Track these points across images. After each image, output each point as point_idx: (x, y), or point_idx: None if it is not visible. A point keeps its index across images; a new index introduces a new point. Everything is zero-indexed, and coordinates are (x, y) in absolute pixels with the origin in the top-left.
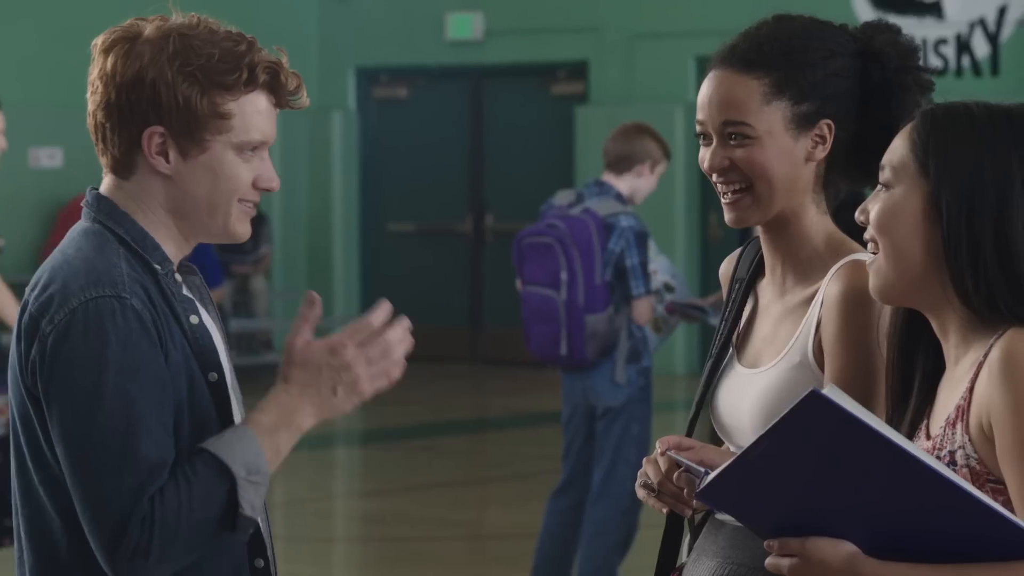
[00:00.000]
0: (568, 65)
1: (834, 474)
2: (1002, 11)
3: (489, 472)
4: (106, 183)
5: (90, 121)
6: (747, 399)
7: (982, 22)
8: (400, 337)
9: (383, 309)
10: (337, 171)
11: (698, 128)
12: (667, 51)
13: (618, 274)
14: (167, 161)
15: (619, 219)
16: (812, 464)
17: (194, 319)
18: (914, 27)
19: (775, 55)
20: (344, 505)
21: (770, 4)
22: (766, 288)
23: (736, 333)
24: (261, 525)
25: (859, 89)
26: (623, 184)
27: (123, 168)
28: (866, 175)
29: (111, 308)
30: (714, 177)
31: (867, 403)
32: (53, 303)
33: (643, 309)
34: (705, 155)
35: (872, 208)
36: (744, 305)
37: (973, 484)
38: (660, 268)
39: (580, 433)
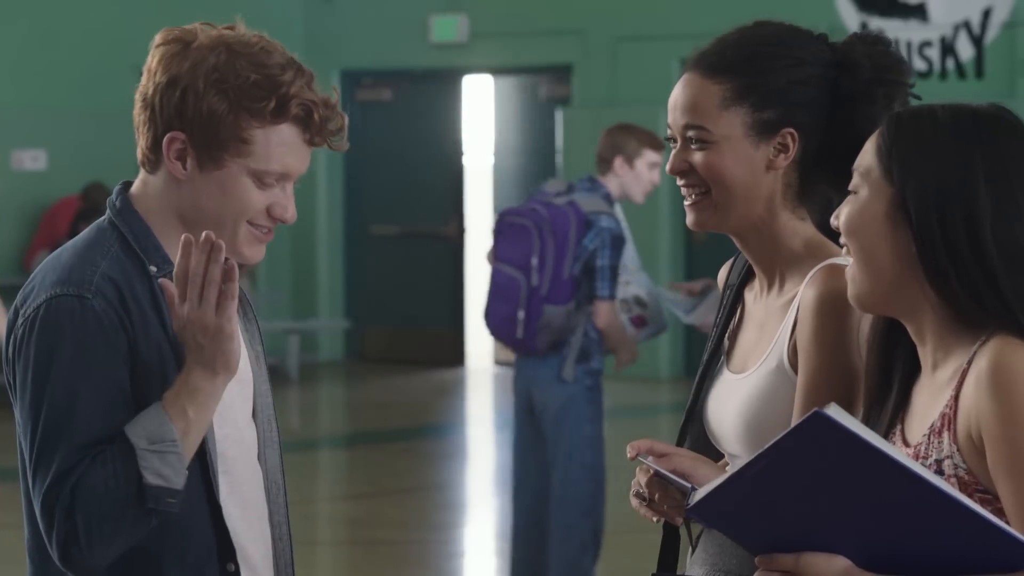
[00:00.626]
0: (552, 68)
1: (833, 491)
2: (987, 13)
3: (472, 475)
4: (138, 178)
5: (135, 109)
6: (730, 405)
7: (967, 24)
8: (201, 261)
9: (185, 247)
10: (321, 173)
11: (668, 131)
12: (651, 54)
13: (587, 272)
14: (184, 168)
15: (600, 218)
16: (810, 482)
17: None
18: (898, 30)
19: (738, 61)
20: (327, 508)
21: (754, 7)
22: (753, 294)
23: (726, 339)
24: (237, 528)
25: (829, 99)
26: (611, 184)
27: (148, 162)
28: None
29: (70, 307)
30: (677, 180)
31: (842, 407)
32: (28, 299)
33: (604, 311)
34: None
35: (842, 213)
36: (734, 311)
37: (962, 494)
38: (637, 283)
39: (527, 425)
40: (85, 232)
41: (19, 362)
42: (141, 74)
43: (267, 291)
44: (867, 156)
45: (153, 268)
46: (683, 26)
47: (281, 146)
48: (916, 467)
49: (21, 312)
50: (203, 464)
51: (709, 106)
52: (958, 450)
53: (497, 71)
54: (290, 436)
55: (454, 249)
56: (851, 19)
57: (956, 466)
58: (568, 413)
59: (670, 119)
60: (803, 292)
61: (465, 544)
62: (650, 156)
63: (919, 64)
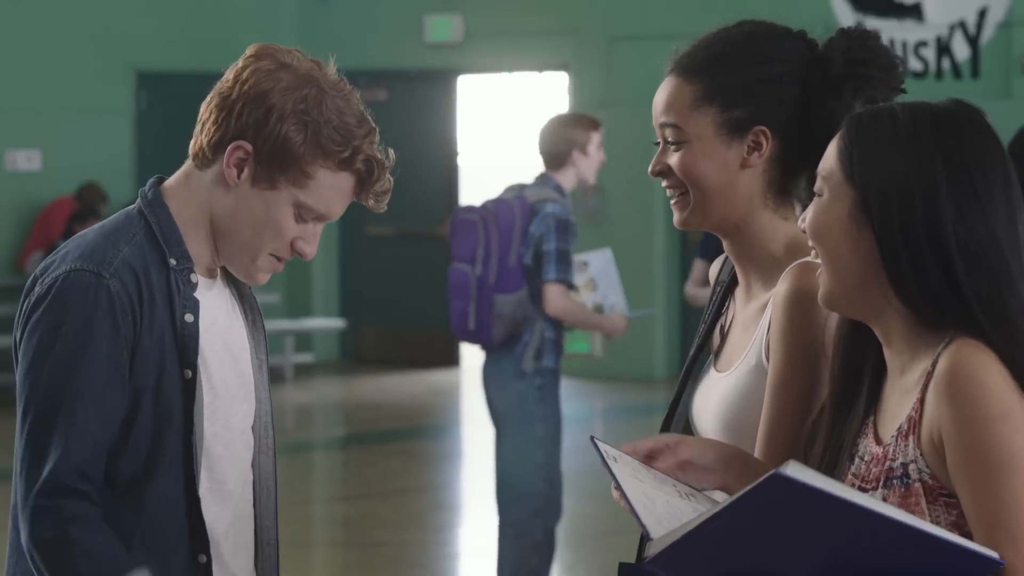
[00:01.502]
0: (548, 68)
1: (794, 541)
2: (982, 13)
3: (467, 476)
4: (181, 169)
5: (206, 104)
6: (711, 402)
7: (962, 24)
8: None
9: None
10: None
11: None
12: (647, 54)
13: (537, 259)
14: (237, 177)
15: (545, 204)
16: (770, 535)
17: (189, 317)
18: (894, 30)
19: (706, 61)
20: (322, 509)
21: (750, 8)
22: (739, 294)
23: (716, 336)
24: (213, 524)
25: (802, 96)
26: (564, 178)
27: (203, 158)
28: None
29: (85, 282)
30: (662, 181)
31: (805, 404)
32: (49, 269)
33: (551, 295)
34: None
35: (808, 216)
36: (723, 308)
37: (926, 498)
38: (598, 273)
39: (494, 424)
40: (114, 216)
41: (29, 326)
42: (135, 72)
43: (262, 291)
44: (829, 158)
45: (173, 261)
46: (680, 26)
47: (334, 191)
48: (880, 507)
49: (40, 280)
50: (187, 456)
51: (682, 106)
52: (922, 454)
53: (492, 71)
54: (285, 437)
55: (448, 250)
56: (847, 19)
57: (920, 471)
58: (516, 412)
59: (653, 121)
60: (776, 289)
61: (461, 545)
62: (596, 137)
63: (915, 64)
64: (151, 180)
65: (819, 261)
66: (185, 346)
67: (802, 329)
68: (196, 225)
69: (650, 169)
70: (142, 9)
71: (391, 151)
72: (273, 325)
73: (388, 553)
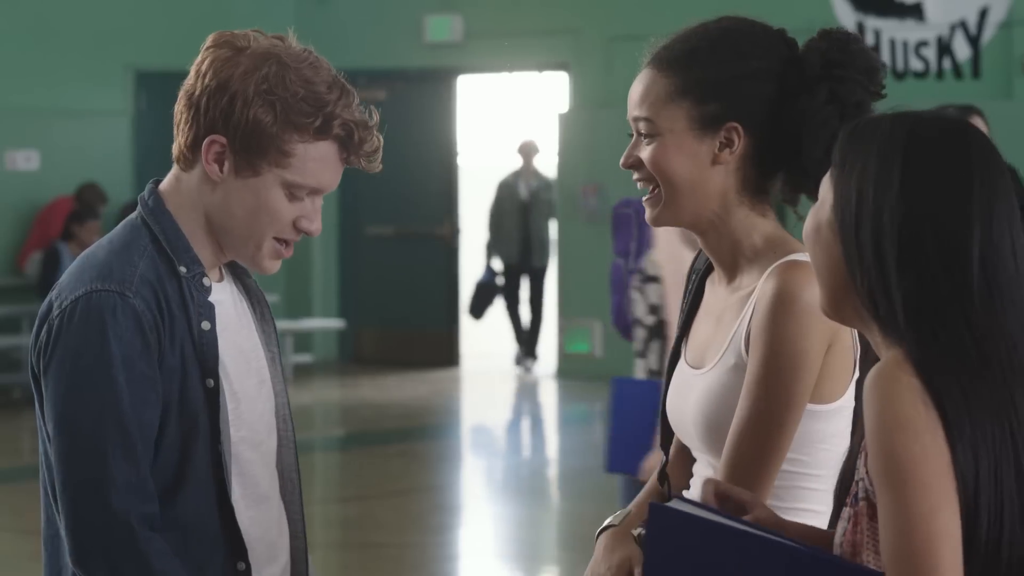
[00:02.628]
0: (547, 68)
1: (711, 571)
2: (983, 13)
3: (467, 477)
4: (170, 173)
5: (177, 106)
6: (690, 401)
7: (963, 24)
8: None
9: None
10: None
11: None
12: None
13: None
14: (220, 171)
15: None
16: (692, 570)
17: (205, 325)
18: (895, 29)
19: (682, 55)
20: (321, 510)
21: (748, 7)
22: (714, 286)
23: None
24: (251, 529)
25: (777, 94)
26: None
27: (185, 160)
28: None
29: (112, 303)
30: (633, 175)
31: (781, 406)
32: (64, 291)
33: None
34: None
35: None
36: (697, 299)
37: (868, 517)
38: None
39: None
40: (119, 230)
41: (58, 350)
42: (133, 72)
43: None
44: (829, 166)
45: (183, 269)
46: (678, 24)
47: (319, 162)
48: (759, 530)
49: (56, 303)
50: (216, 465)
51: (656, 99)
52: (867, 473)
53: (492, 71)
54: None
55: (448, 249)
56: (847, 19)
57: (866, 489)
58: None
59: (628, 114)
60: (762, 286)
61: (460, 547)
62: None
63: (916, 64)
64: (149, 186)
65: (804, 257)
66: (205, 355)
67: (785, 330)
68: (196, 227)
69: (621, 161)
70: (141, 9)
71: (374, 109)
72: None
73: (387, 555)
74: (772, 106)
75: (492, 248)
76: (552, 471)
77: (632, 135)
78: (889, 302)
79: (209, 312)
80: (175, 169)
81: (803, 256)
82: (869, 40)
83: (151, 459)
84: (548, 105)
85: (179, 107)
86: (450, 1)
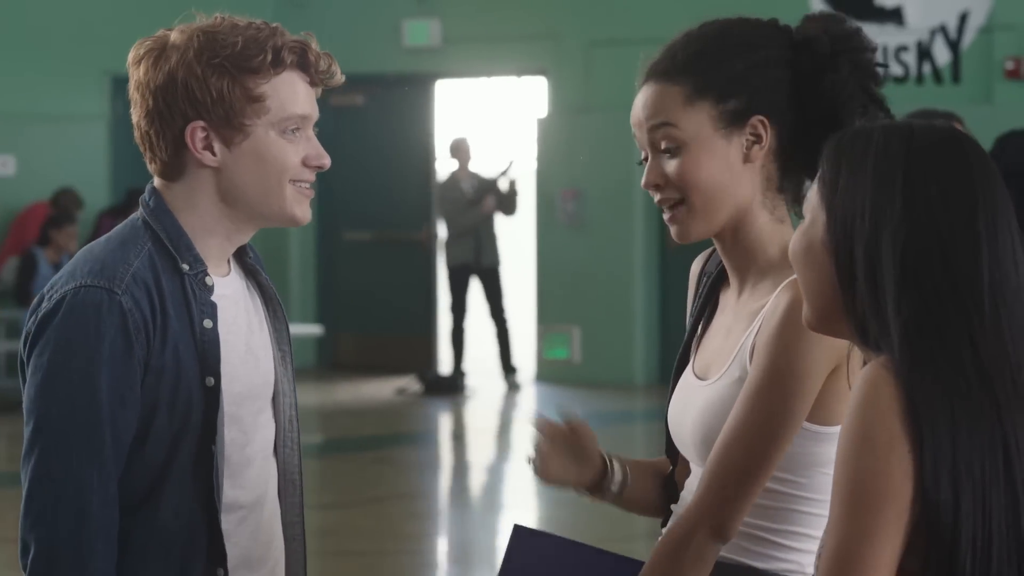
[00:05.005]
0: (527, 73)
1: None
2: (963, 18)
3: (445, 485)
4: (155, 187)
5: (136, 134)
6: (691, 411)
7: (943, 29)
8: None
9: None
10: None
11: (639, 148)
12: (626, 59)
13: None
14: (213, 154)
15: None
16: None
17: (207, 323)
18: (874, 34)
19: (690, 59)
20: None
21: (728, 10)
22: (726, 294)
23: (696, 337)
24: (239, 533)
25: (793, 79)
26: None
27: (173, 171)
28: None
29: (98, 299)
30: (653, 194)
31: (774, 423)
32: (57, 285)
33: None
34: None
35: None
36: (709, 302)
37: None
38: None
39: None
40: (120, 228)
41: (41, 341)
42: (110, 77)
43: None
44: (815, 180)
45: (185, 267)
46: (658, 30)
47: (290, 89)
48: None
49: (47, 296)
50: (205, 466)
51: (674, 105)
52: None
53: (470, 76)
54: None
55: (426, 255)
56: None
57: None
58: None
59: (637, 135)
60: (774, 300)
61: (438, 555)
62: None
63: (896, 69)
64: (148, 187)
65: None
66: (206, 353)
67: (790, 345)
68: (198, 226)
69: (645, 181)
70: (117, 13)
71: (309, 33)
72: None
73: (365, 563)
74: (791, 90)
75: (448, 247)
76: (530, 478)
77: (645, 158)
78: (883, 324)
79: (211, 311)
80: (159, 183)
81: None
82: None
83: (121, 461)
84: (527, 110)
85: (142, 130)
86: (429, 6)
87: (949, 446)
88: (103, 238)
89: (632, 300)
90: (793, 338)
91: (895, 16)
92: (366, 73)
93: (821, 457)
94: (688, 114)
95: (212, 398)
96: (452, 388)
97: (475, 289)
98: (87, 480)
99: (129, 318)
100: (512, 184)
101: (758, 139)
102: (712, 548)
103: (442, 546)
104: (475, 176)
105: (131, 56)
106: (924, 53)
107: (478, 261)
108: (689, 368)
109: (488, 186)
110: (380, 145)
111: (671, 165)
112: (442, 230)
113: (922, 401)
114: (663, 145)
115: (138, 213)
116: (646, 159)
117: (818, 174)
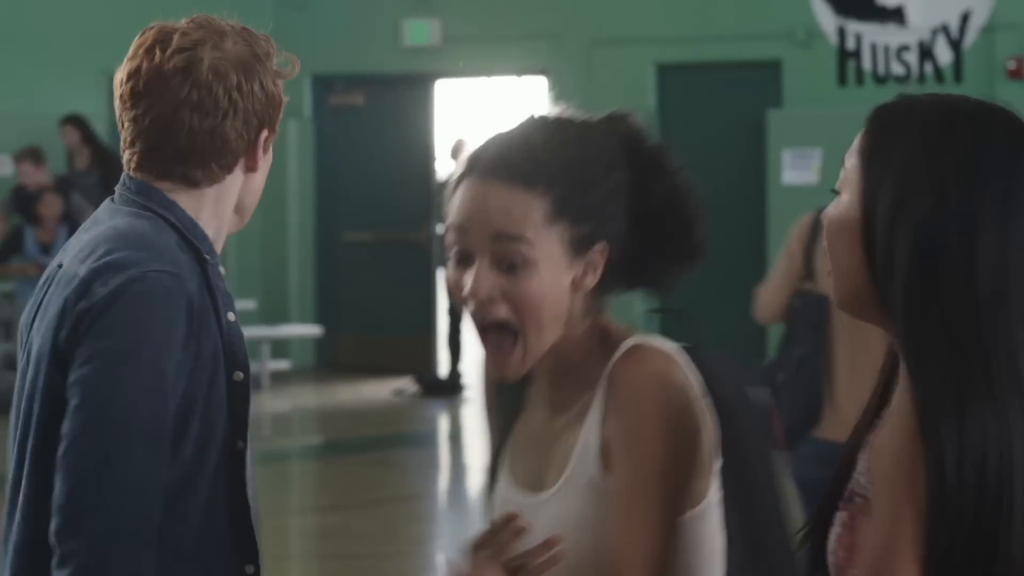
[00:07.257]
0: (527, 72)
1: None
2: (965, 17)
3: (445, 487)
4: (167, 188)
5: (180, 136)
6: (538, 530)
7: (945, 28)
8: None
9: None
10: (293, 179)
11: (454, 245)
12: (626, 58)
13: None
14: (264, 152)
15: None
16: None
17: (231, 316)
18: (876, 34)
19: (556, 168)
20: (297, 521)
21: (728, 11)
22: (537, 395)
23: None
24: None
25: (630, 205)
26: None
27: (214, 177)
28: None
29: (166, 285)
30: (472, 307)
31: (669, 513)
32: (110, 269)
33: None
34: (463, 278)
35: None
36: (509, 415)
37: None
38: None
39: None
40: (127, 221)
41: (97, 327)
42: (108, 77)
43: (237, 298)
44: (852, 152)
45: (207, 256)
46: (659, 29)
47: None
48: None
49: (99, 281)
50: (233, 461)
51: (533, 219)
52: (867, 469)
53: (470, 76)
54: (260, 446)
55: (426, 255)
56: (828, 23)
57: (864, 486)
58: None
59: (464, 228)
60: (605, 390)
61: (438, 558)
62: None
63: (897, 69)
64: (133, 182)
65: (640, 340)
66: (233, 347)
67: (656, 424)
68: (218, 232)
69: (474, 288)
70: (118, 15)
71: (271, 36)
72: (249, 332)
73: (364, 566)
74: (631, 219)
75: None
76: None
77: (465, 262)
78: (910, 314)
79: (231, 303)
80: (172, 188)
81: (638, 339)
82: (850, 44)
83: (168, 452)
84: (527, 110)
85: (201, 134)
86: (428, 5)
87: (957, 439)
88: (122, 226)
89: (630, 298)
90: (654, 420)
91: (897, 16)
92: (366, 73)
93: (701, 535)
94: (545, 233)
95: (242, 393)
96: (450, 390)
97: None
98: (150, 473)
99: (193, 305)
100: None
101: (593, 268)
102: None
103: (442, 549)
104: None
105: (186, 55)
106: (926, 53)
107: None
108: (508, 483)
109: None
110: (380, 145)
111: (512, 284)
112: (441, 231)
113: (932, 401)
114: (510, 260)
115: (132, 208)
116: (465, 259)
117: (857, 144)
